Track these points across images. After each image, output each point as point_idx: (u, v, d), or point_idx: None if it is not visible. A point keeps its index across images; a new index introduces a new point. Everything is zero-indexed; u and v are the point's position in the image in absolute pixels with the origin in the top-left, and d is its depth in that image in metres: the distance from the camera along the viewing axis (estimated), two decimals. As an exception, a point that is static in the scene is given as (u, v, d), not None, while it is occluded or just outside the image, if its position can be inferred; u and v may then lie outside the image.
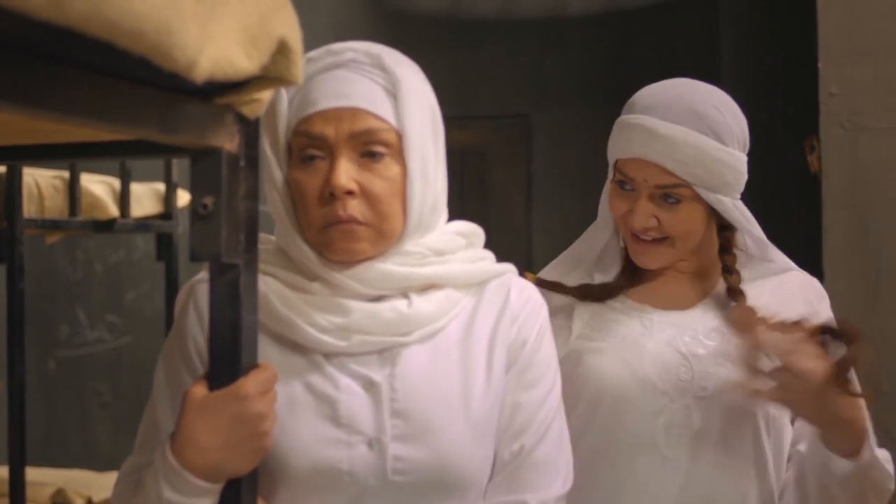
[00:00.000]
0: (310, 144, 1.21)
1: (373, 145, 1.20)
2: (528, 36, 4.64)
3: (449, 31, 4.69)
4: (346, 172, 1.19)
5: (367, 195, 1.20)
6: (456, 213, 1.35)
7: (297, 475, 1.19)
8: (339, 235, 1.20)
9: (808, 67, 2.72)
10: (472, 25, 4.68)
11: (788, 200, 3.06)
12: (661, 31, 4.47)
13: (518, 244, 4.86)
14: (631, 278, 1.60)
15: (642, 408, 1.49)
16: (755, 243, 1.60)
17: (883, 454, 1.48)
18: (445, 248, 1.28)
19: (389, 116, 1.21)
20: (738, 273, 1.57)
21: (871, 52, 2.52)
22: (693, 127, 1.46)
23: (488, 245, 1.43)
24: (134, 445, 1.28)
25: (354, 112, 1.20)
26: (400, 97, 1.21)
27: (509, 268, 1.34)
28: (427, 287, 1.26)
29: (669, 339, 1.52)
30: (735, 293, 1.55)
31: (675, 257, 1.54)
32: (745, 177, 1.53)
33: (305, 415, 1.21)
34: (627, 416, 1.50)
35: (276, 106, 1.22)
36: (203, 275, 1.26)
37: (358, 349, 1.22)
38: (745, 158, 1.53)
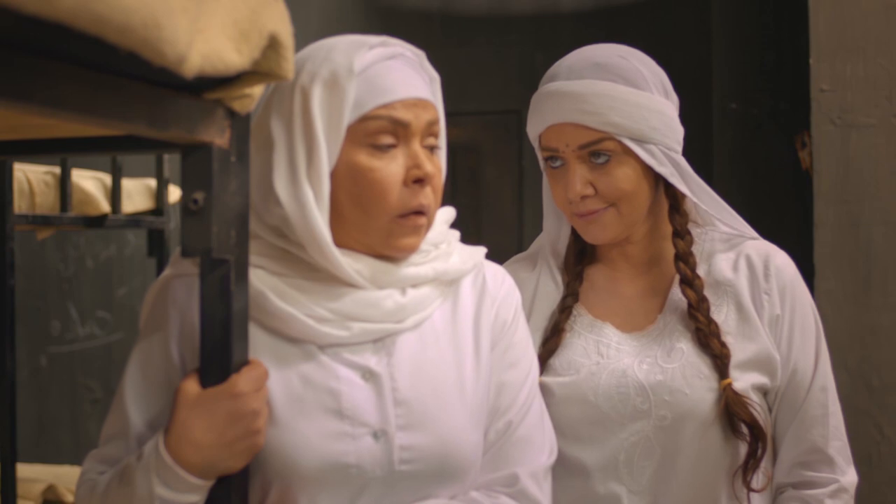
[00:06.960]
0: (389, 130, 1.20)
1: (433, 137, 1.25)
2: (519, 32, 4.63)
3: (440, 26, 4.69)
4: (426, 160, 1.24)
5: (432, 185, 1.24)
6: (448, 208, 1.37)
7: (304, 472, 1.17)
8: (410, 229, 1.22)
9: (798, 64, 2.73)
10: (463, 21, 4.67)
11: (779, 196, 3.06)
12: (652, 27, 4.47)
13: (509, 239, 4.86)
14: (581, 277, 1.54)
15: (602, 443, 1.44)
16: (706, 205, 1.50)
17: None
18: (440, 240, 1.31)
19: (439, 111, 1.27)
20: (689, 235, 1.49)
21: (861, 49, 2.53)
22: (598, 77, 1.42)
23: (480, 240, 1.43)
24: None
25: (425, 104, 1.24)
26: (436, 95, 1.27)
27: (483, 251, 1.38)
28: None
29: (626, 368, 1.46)
30: (685, 256, 1.47)
31: (623, 226, 1.46)
32: (677, 123, 1.47)
33: (309, 410, 1.18)
34: (589, 452, 1.45)
35: (342, 89, 1.18)
36: (175, 269, 1.24)
37: (358, 339, 1.21)
38: (668, 103, 1.46)
